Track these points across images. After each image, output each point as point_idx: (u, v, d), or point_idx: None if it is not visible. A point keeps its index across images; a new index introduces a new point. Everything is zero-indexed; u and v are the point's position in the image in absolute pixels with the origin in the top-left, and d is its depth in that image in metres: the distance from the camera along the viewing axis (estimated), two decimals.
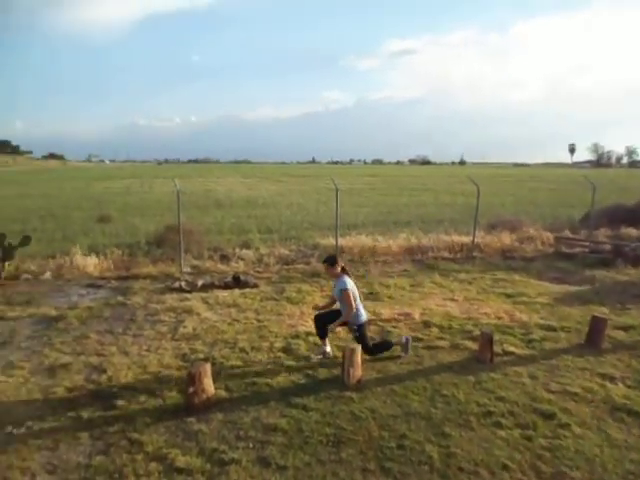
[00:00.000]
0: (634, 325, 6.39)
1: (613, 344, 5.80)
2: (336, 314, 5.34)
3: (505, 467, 3.48)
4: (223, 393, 4.58)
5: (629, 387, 4.71)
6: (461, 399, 4.46)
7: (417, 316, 6.78)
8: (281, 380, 4.84)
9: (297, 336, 6.03)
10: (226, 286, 8.49)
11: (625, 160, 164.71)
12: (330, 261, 5.47)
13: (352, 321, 5.27)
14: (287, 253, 11.10)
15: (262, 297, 7.88)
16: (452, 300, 7.69)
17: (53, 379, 4.88)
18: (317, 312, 5.63)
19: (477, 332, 5.98)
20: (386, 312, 6.96)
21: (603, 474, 3.42)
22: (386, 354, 5.43)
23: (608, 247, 11.16)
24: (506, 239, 11.86)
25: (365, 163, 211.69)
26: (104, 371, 5.04)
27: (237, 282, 8.60)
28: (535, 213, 15.87)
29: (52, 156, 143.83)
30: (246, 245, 11.75)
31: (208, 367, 4.45)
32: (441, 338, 5.98)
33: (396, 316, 6.78)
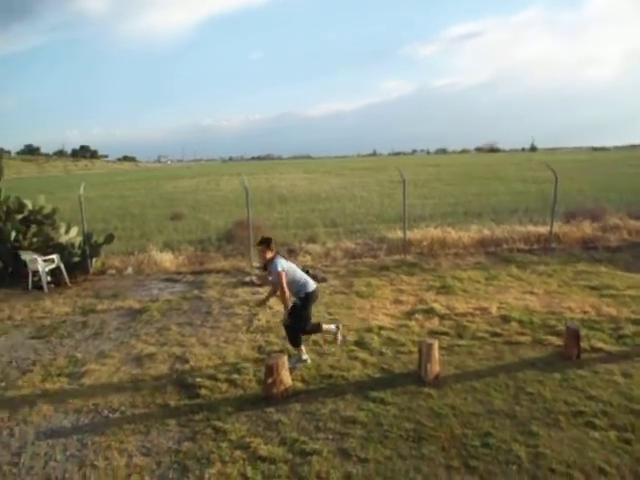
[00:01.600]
0: None
1: None
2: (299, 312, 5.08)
3: (602, 471, 3.27)
4: (299, 384, 4.65)
5: None
6: (547, 397, 4.23)
7: (494, 310, 6.52)
8: (356, 373, 4.84)
9: (370, 330, 6.01)
10: None
11: None
12: (266, 243, 5.00)
13: (297, 293, 5.06)
14: (353, 247, 11.07)
15: (331, 291, 7.92)
16: (531, 294, 7.31)
17: (141, 368, 5.19)
18: (285, 322, 5.12)
19: (561, 327, 5.65)
20: (461, 306, 6.76)
21: None
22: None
23: None
24: (587, 228, 11.09)
25: (428, 153, 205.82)
26: (186, 361, 5.29)
27: None
28: (618, 200, 14.71)
29: (125, 158, 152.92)
30: (312, 239, 11.85)
31: (285, 359, 4.54)
32: (522, 333, 5.71)
33: (472, 310, 6.57)
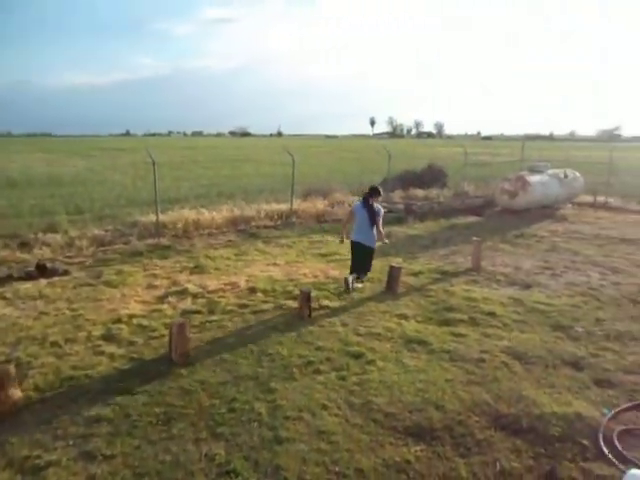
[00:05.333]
0: (422, 270, 7.67)
1: (407, 288, 6.88)
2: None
3: (324, 407, 3.94)
4: (33, 394, 4.14)
5: (419, 322, 5.69)
6: (285, 354, 4.83)
7: (243, 284, 7.00)
8: (102, 369, 4.57)
9: (119, 320, 5.72)
10: (28, 276, 7.49)
11: (414, 131, 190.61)
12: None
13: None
14: (103, 234, 10.20)
15: (75, 284, 7.18)
16: (274, 265, 8.11)
17: None
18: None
19: (297, 291, 6.44)
20: (212, 284, 7.02)
21: (400, 396, 4.11)
22: None
23: (401, 206, 12.95)
24: (320, 205, 12.85)
25: (185, 135, 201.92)
26: None
27: (42, 271, 7.66)
28: (343, 180, 17.37)
29: None
30: (52, 228, 10.40)
31: (10, 370, 3.96)
32: (266, 302, 6.31)
33: (222, 286, 6.90)
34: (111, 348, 5.01)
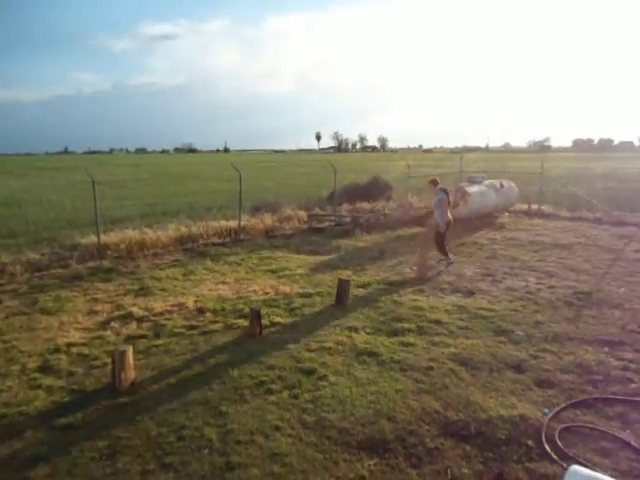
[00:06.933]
0: (370, 282, 7.77)
1: (356, 300, 6.93)
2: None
3: (277, 428, 3.87)
4: None
5: (368, 334, 5.74)
6: (235, 376, 4.72)
7: (191, 304, 6.81)
8: (39, 404, 4.29)
9: (57, 350, 5.41)
10: None
11: (358, 146, 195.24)
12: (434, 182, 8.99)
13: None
14: (39, 258, 9.63)
15: (7, 313, 6.73)
16: (224, 283, 7.96)
17: None
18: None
19: (247, 310, 6.35)
20: (159, 306, 6.78)
21: (353, 410, 4.12)
22: None
23: (348, 219, 13.12)
24: (268, 220, 12.79)
25: (128, 152, 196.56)
26: None
27: None
28: (291, 194, 17.43)
29: None
30: None
31: None
32: (215, 322, 6.17)
33: (169, 308, 6.68)
34: (48, 380, 4.73)
